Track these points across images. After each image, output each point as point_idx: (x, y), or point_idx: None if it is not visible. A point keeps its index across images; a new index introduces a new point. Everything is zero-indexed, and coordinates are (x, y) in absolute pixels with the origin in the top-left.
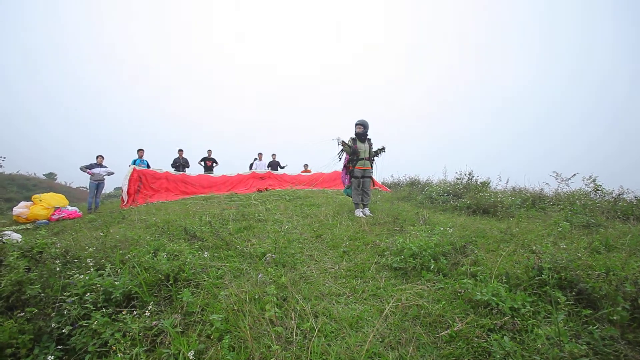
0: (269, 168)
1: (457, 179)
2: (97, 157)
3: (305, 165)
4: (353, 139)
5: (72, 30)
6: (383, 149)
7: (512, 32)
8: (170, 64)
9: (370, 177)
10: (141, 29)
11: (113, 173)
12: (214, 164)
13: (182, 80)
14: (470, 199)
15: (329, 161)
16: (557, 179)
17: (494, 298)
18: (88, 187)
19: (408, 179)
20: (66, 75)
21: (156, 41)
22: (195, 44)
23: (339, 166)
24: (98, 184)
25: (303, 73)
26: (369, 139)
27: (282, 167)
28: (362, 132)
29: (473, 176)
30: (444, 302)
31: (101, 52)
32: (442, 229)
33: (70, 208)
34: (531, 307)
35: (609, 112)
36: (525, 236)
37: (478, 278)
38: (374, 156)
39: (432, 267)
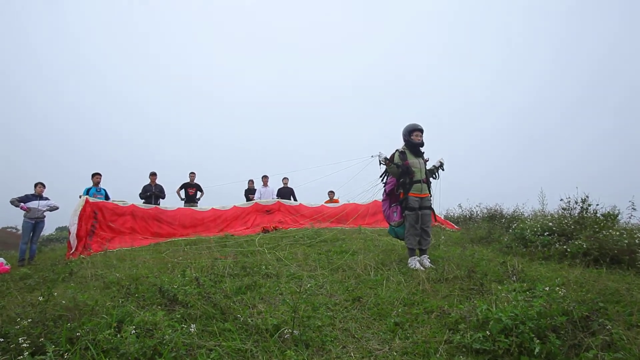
0: (279, 198)
1: (564, 209)
2: (36, 185)
3: (331, 193)
4: (402, 152)
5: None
6: (441, 165)
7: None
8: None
9: (431, 209)
10: None
11: (57, 208)
12: (199, 193)
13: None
14: (588, 241)
15: (368, 186)
16: None
17: None
18: (21, 228)
19: (485, 211)
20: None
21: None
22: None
23: (380, 193)
24: (36, 223)
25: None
26: (423, 153)
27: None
28: (418, 141)
29: (590, 204)
30: None
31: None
32: (547, 288)
33: None
34: None
35: None
36: None
37: None
38: (431, 177)
39: (536, 350)
